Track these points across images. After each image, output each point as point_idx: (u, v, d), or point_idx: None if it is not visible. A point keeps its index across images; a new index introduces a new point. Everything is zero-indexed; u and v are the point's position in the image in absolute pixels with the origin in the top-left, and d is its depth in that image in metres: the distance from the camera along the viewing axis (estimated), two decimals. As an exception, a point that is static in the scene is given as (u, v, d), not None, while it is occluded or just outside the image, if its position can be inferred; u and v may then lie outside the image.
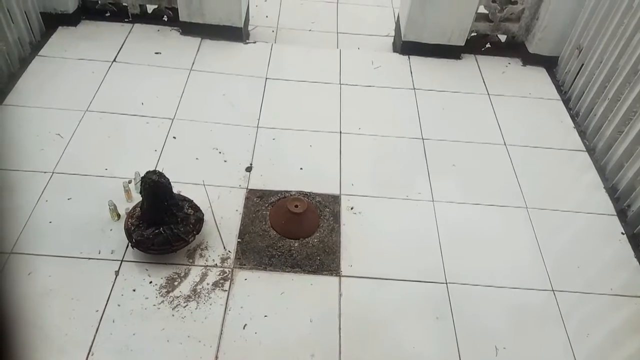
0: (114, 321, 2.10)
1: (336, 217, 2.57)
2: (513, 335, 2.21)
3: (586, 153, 3.08)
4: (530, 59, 3.68)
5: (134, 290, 2.20)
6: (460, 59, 3.69)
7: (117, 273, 2.25)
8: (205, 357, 2.03)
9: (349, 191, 2.70)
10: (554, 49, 3.60)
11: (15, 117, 2.87)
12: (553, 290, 2.38)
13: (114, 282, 2.22)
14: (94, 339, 2.04)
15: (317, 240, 2.46)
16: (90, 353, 2.00)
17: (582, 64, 3.35)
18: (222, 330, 2.12)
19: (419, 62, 3.63)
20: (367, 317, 2.21)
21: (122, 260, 2.30)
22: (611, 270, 2.49)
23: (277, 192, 2.65)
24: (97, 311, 2.12)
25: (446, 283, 2.36)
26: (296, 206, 2.45)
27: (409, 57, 3.66)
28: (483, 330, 2.21)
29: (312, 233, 2.48)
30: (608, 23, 3.08)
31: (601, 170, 2.97)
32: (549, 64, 3.67)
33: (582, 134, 3.21)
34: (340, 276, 2.34)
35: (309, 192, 2.67)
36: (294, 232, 2.46)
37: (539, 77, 3.63)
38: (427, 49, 3.63)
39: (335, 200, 2.65)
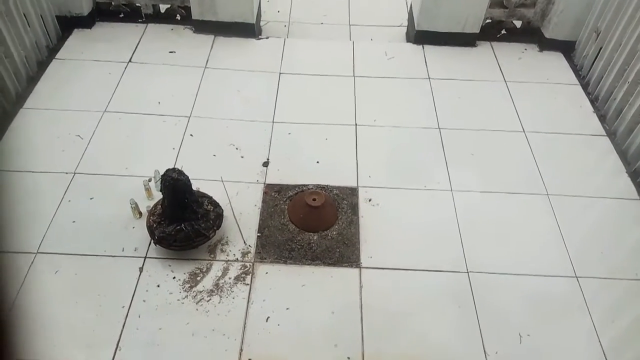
0: (139, 316, 2.14)
1: (354, 209, 2.57)
2: (537, 322, 2.19)
3: (607, 137, 3.03)
4: (547, 44, 3.62)
5: (158, 286, 2.24)
6: (475, 46, 3.65)
7: (141, 269, 2.29)
8: (230, 349, 2.06)
9: (367, 183, 2.70)
10: (570, 33, 3.54)
11: (35, 120, 2.93)
12: (576, 276, 2.35)
13: (139, 279, 2.26)
14: (120, 334, 2.08)
15: (335, 233, 2.47)
16: (118, 348, 2.04)
17: (600, 48, 3.28)
18: (245, 323, 2.14)
19: (434, 51, 3.60)
20: (388, 307, 2.22)
21: (145, 257, 2.34)
22: (636, 255, 2.45)
23: (294, 186, 2.66)
24: (123, 307, 2.16)
25: (467, 272, 2.35)
26: (314, 199, 2.46)
27: (423, 47, 3.64)
28: (506, 318, 2.20)
29: (331, 226, 2.49)
30: (626, 5, 3.01)
31: (622, 154, 2.92)
32: (566, 48, 3.61)
33: (602, 118, 3.16)
34: (360, 268, 2.35)
35: (326, 185, 2.67)
36: (313, 226, 2.47)
37: (556, 62, 3.57)
38: (441, 38, 3.60)
39: (352, 192, 2.65)
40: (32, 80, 3.18)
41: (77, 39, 3.51)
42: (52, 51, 3.41)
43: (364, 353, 2.07)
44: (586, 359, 2.10)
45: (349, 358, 2.05)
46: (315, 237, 2.44)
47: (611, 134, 3.05)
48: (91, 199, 2.55)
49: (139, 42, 3.51)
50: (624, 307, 2.27)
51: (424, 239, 2.47)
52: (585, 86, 3.38)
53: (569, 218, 2.58)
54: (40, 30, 3.29)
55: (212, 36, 3.59)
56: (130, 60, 3.36)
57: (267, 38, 3.65)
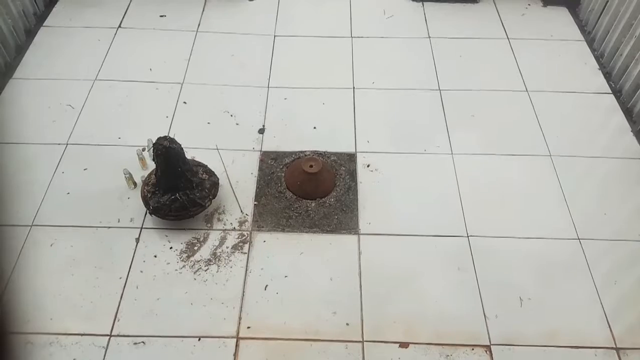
0: (137, 287, 2.13)
1: (352, 175, 2.53)
2: (538, 285, 2.17)
3: (612, 95, 2.94)
4: (551, -1, 3.49)
5: (155, 256, 2.22)
6: (477, 2, 3.51)
7: (137, 240, 2.27)
8: (229, 318, 2.06)
9: (365, 148, 2.64)
10: (576, -14, 3.40)
11: (25, 90, 2.86)
12: (579, 239, 2.32)
13: (135, 249, 2.24)
14: (119, 305, 2.08)
15: (333, 200, 2.43)
16: (117, 319, 2.04)
17: (607, 1, 3.15)
18: (244, 291, 2.13)
19: (434, 9, 3.47)
20: (387, 273, 2.20)
21: (141, 228, 2.31)
22: (639, 216, 2.41)
23: (291, 153, 2.61)
24: (120, 278, 2.15)
25: (467, 236, 2.32)
26: (311, 166, 2.41)
27: (422, 4, 3.50)
28: (507, 281, 2.18)
29: (329, 193, 2.45)
30: (636, -47, 2.87)
31: (628, 112, 2.84)
32: (571, 2, 3.48)
33: (607, 75, 3.06)
34: (359, 234, 2.32)
35: (324, 152, 2.62)
36: (310, 193, 2.43)
37: (560, 17, 3.44)
38: (442, -6, 3.47)
39: (350, 158, 2.60)
40: (21, 49, 3.09)
41: (64, 5, 3.39)
42: (40, 19, 3.30)
43: (363, 319, 2.06)
44: (588, 321, 2.09)
45: (348, 324, 2.05)
46: (313, 205, 2.41)
47: (617, 92, 2.96)
48: (85, 169, 2.51)
49: (128, 6, 3.39)
50: (626, 268, 2.24)
51: (424, 204, 2.43)
52: (590, 42, 3.26)
53: (572, 179, 2.53)
54: (27, -3, 3.18)
55: (204, -2, 3.47)
56: (119, 26, 3.26)
57: (260, -1, 3.53)
